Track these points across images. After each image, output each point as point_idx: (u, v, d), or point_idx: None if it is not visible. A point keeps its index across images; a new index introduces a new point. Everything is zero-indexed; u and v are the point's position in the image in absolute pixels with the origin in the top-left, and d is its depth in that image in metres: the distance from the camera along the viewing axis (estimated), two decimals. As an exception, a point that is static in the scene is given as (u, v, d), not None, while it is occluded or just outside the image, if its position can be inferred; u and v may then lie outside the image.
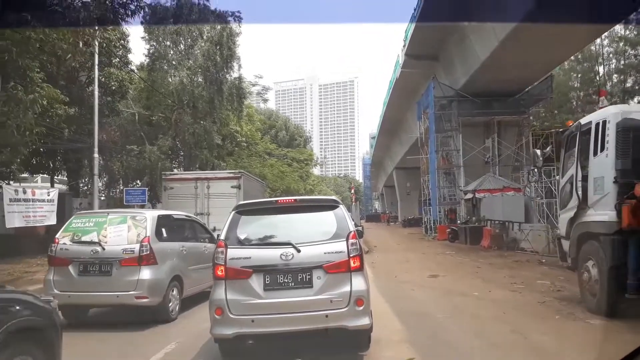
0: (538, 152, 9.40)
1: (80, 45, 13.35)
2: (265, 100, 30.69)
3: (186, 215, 9.37)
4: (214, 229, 11.93)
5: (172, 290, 7.79)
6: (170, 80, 22.69)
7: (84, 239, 7.44)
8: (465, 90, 28.24)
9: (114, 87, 19.39)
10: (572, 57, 32.36)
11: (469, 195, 26.12)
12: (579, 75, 36.69)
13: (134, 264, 7.22)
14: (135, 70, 21.84)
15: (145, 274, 7.25)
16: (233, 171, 12.28)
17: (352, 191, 44.31)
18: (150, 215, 7.75)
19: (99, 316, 8.28)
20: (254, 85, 29.02)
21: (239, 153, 29.84)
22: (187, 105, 22.33)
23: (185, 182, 12.33)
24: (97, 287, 7.19)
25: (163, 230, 7.89)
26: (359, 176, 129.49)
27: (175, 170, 22.63)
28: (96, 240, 7.35)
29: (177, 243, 8.26)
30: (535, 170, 14.21)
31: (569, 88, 36.40)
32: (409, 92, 36.33)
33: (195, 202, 12.23)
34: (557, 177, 22.40)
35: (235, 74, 24.75)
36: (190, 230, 9.22)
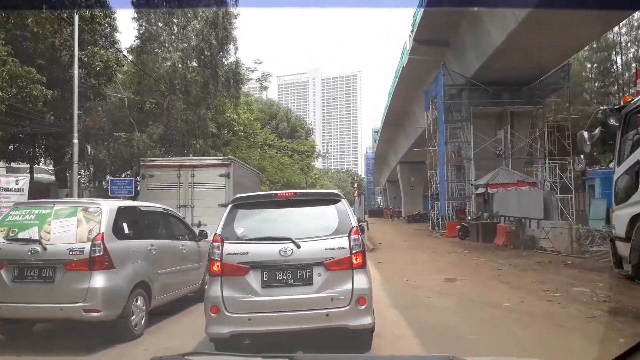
0: (585, 134, 7.76)
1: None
2: (265, 88, 28.85)
3: (161, 208, 7.79)
4: (199, 224, 10.44)
5: (136, 301, 6.22)
6: (162, 63, 21.06)
7: (20, 235, 5.88)
8: (477, 78, 26.57)
9: (98, 68, 17.77)
10: (587, 47, 30.71)
11: (481, 190, 24.51)
12: (595, 65, 34.92)
13: (83, 268, 5.66)
14: (124, 52, 20.21)
15: (98, 280, 5.69)
16: (221, 157, 10.63)
17: (355, 185, 42.64)
18: (107, 207, 6.15)
19: (46, 332, 6.72)
20: (252, 71, 27.30)
21: (236, 143, 28.25)
22: (179, 90, 20.73)
23: (167, 170, 10.74)
24: (35, 297, 5.64)
25: (124, 225, 6.31)
26: (361, 171, 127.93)
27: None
28: (36, 238, 5.79)
29: (145, 241, 6.69)
30: (582, 157, 12.48)
31: (584, 78, 34.62)
32: (416, 81, 34.63)
33: (178, 192, 10.66)
34: (579, 168, 20.87)
35: (232, 58, 23.13)
36: (164, 226, 7.68)
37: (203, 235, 8.49)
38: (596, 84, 35.58)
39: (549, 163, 27.09)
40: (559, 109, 30.98)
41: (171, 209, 8.26)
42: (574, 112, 28.62)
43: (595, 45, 32.53)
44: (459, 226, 23.72)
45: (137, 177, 18.52)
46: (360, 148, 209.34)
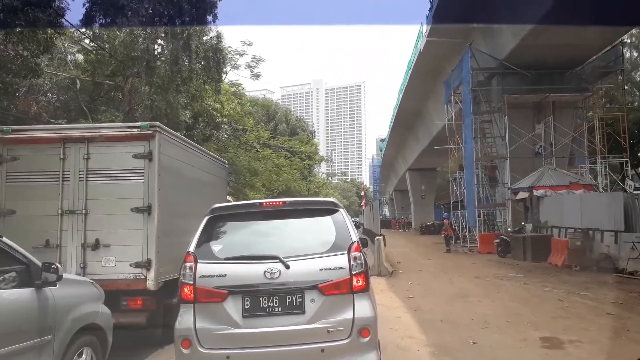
0: None
1: None
2: (257, 76, 24.20)
3: None
4: (96, 243, 5.72)
5: None
6: (118, 33, 16.41)
7: None
8: (511, 60, 21.87)
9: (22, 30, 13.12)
10: None
11: (522, 195, 19.63)
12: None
13: None
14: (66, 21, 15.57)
15: None
16: (137, 125, 5.86)
17: (363, 193, 37.81)
18: None
19: None
20: (241, 54, 22.54)
21: (222, 140, 23.51)
22: (138, 64, 16.04)
23: (43, 147, 5.93)
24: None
25: None
26: (366, 182, 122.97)
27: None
28: None
29: None
30: None
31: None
32: (432, 73, 30.08)
33: (61, 187, 5.83)
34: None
35: (213, 33, 18.48)
36: None
37: (51, 272, 3.82)
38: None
39: (601, 162, 22.20)
40: (609, 98, 26.05)
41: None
42: (631, 101, 23.76)
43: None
44: (497, 240, 18.81)
45: None
46: (364, 158, 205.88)
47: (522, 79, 22.47)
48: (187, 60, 17.16)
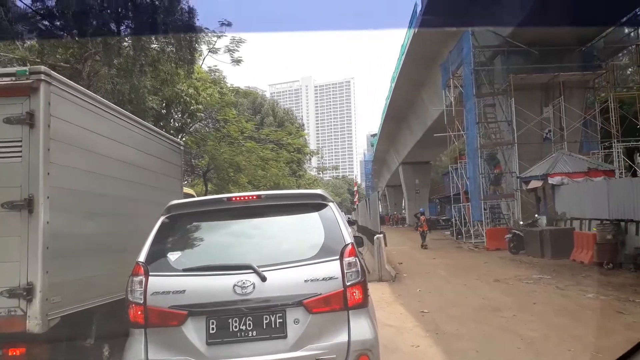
0: None
1: None
2: (238, 61, 21.85)
3: None
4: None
5: None
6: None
7: None
8: (516, 37, 19.92)
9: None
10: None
11: (535, 184, 17.61)
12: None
13: None
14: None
15: None
16: (8, 71, 3.74)
17: (356, 188, 35.74)
18: None
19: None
20: (219, 36, 20.17)
21: (200, 133, 21.26)
22: (91, 41, 13.76)
23: None
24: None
25: None
26: (357, 179, 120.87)
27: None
28: None
29: None
30: None
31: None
32: (426, 58, 28.11)
33: None
34: None
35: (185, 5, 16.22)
36: None
37: None
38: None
39: (617, 146, 20.29)
40: (622, 77, 24.15)
41: None
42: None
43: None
44: (509, 235, 16.76)
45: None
46: (355, 154, 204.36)
47: (527, 57, 20.53)
48: (153, 37, 14.95)
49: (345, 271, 3.25)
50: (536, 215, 17.55)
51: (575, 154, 18.39)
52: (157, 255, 3.37)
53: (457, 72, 23.33)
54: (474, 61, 20.98)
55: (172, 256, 3.40)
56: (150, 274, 3.24)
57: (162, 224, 3.57)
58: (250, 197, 3.63)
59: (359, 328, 3.21)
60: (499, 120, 21.43)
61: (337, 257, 3.29)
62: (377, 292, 9.64)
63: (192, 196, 8.58)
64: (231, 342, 3.12)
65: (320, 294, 3.19)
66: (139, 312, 3.19)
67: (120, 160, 5.19)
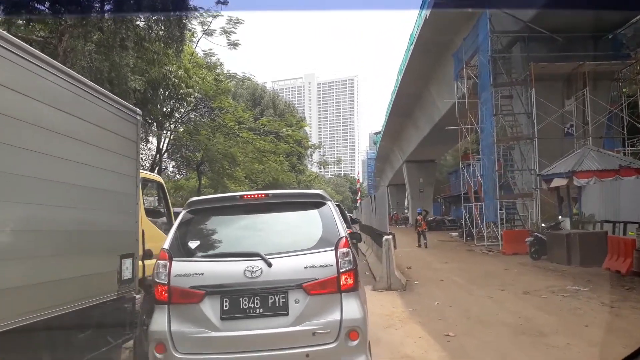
0: None
1: None
2: (235, 45, 20.15)
3: None
4: None
5: None
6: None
7: None
8: (537, 22, 18.24)
9: None
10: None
11: (559, 182, 15.91)
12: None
13: None
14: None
15: None
16: None
17: (359, 186, 34.15)
18: None
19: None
20: (214, 16, 18.49)
21: (193, 121, 19.58)
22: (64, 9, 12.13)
23: None
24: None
25: None
26: (360, 177, 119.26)
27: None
28: None
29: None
30: None
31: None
32: (437, 48, 26.36)
33: None
34: None
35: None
36: None
37: None
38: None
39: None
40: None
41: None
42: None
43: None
44: (530, 239, 15.07)
45: None
46: (357, 152, 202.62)
47: (549, 45, 18.85)
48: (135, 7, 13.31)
49: (339, 260, 3.73)
50: (559, 217, 15.87)
51: (603, 150, 16.69)
52: (179, 243, 3.92)
53: (470, 61, 21.64)
54: (491, 48, 19.29)
55: (192, 244, 3.97)
56: (173, 259, 3.78)
57: (184, 216, 4.11)
58: (259, 195, 4.22)
59: (350, 308, 3.67)
60: (518, 113, 19.72)
61: (333, 248, 3.78)
62: (388, 304, 8.00)
63: (156, 182, 6.93)
64: (241, 317, 3.62)
65: (318, 278, 3.68)
66: (164, 292, 3.72)
67: (41, 127, 3.52)
